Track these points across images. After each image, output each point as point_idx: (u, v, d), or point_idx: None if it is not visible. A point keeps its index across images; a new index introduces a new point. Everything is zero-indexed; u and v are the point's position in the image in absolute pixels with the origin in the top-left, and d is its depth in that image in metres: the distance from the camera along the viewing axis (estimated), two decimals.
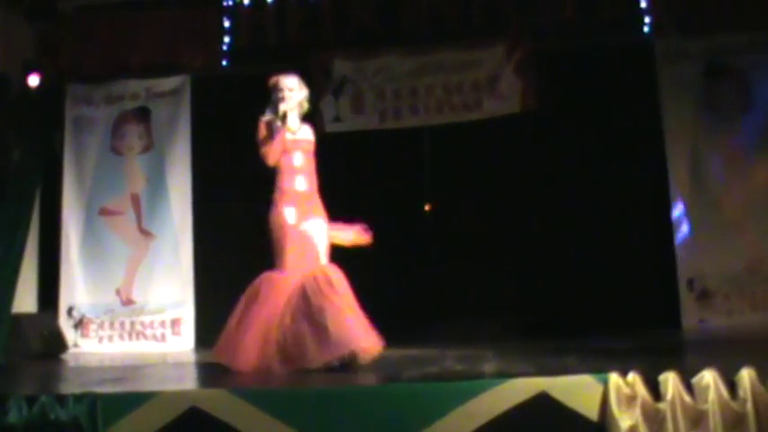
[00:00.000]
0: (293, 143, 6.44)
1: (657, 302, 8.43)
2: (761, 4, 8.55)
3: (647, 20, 8.91)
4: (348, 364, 5.87)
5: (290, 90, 6.42)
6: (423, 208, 9.11)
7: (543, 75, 8.82)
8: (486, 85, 8.81)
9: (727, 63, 8.76)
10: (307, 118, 6.77)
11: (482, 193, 8.90)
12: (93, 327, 9.07)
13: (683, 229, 8.60)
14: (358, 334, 5.92)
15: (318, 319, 5.90)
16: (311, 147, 6.54)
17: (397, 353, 6.73)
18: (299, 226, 6.34)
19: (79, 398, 4.89)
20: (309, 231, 6.34)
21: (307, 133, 6.58)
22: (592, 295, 8.41)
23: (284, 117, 6.40)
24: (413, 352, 6.90)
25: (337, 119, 9.07)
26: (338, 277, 6.17)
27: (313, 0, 9.21)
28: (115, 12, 9.55)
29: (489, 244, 8.77)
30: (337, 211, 8.79)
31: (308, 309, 5.98)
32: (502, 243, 8.76)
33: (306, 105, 6.62)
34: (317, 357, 5.84)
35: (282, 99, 6.40)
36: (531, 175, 8.84)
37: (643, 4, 8.93)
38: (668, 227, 8.60)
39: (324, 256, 6.39)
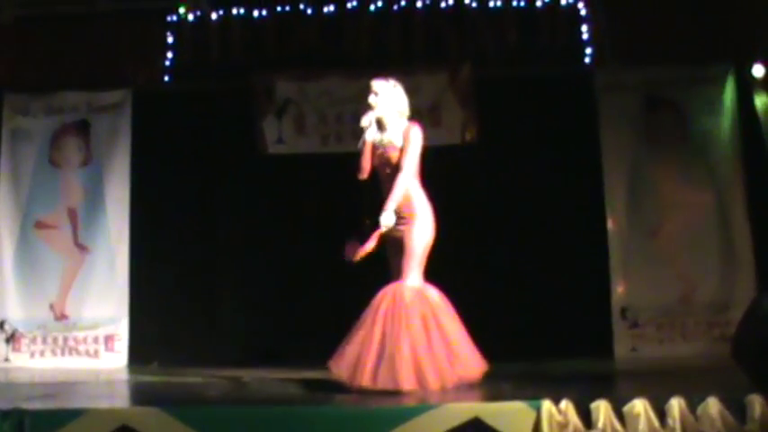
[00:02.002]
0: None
1: (593, 330, 8.49)
2: (696, 40, 8.79)
3: (588, 50, 9.07)
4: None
5: (376, 95, 6.16)
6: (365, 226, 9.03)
7: (485, 103, 8.87)
8: (427, 113, 8.76)
9: (665, 95, 8.93)
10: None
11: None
12: (25, 341, 8.90)
13: (619, 257, 8.70)
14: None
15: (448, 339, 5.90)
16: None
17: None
18: None
19: (6, 414, 4.81)
20: None
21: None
22: (527, 321, 8.47)
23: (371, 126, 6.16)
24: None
25: (280, 140, 9.04)
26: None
27: (257, 19, 9.22)
28: (56, 23, 9.43)
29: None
30: (277, 224, 8.94)
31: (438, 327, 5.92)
32: (437, 268, 8.67)
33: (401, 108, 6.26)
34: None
35: (369, 106, 6.14)
36: (470, 203, 8.86)
37: (584, 35, 9.09)
38: (605, 255, 8.69)
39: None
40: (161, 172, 9.07)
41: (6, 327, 8.93)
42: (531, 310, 8.51)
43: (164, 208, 9.06)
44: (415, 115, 8.51)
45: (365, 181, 6.26)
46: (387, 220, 5.85)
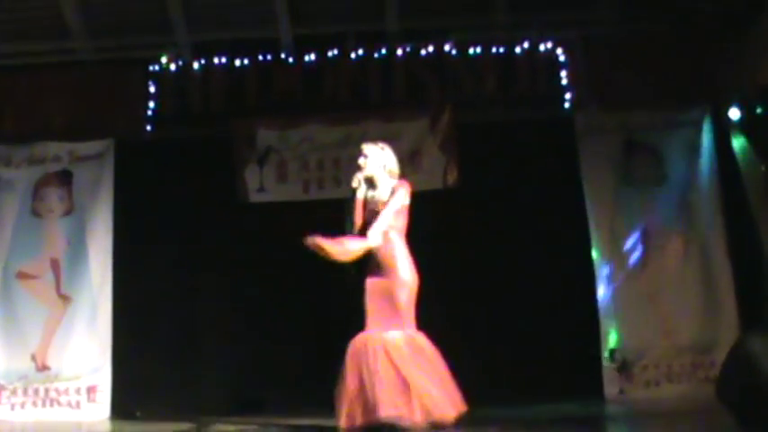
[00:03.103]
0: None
1: (582, 373, 8.53)
2: (673, 84, 8.95)
3: (567, 95, 9.19)
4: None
5: (365, 157, 6.41)
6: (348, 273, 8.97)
7: (466, 148, 8.96)
8: (408, 159, 8.81)
9: (644, 139, 9.05)
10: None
11: None
12: (5, 393, 8.81)
13: (606, 299, 8.76)
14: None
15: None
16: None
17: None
18: None
19: None
20: None
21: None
22: (514, 365, 8.49)
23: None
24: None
25: (261, 189, 9.07)
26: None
27: (238, 67, 9.30)
28: (37, 71, 9.49)
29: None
30: (262, 273, 8.92)
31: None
32: (425, 314, 8.67)
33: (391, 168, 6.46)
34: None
35: (359, 167, 6.40)
36: (454, 248, 8.88)
37: (563, 80, 9.21)
38: (593, 297, 8.75)
39: None
40: (143, 221, 9.05)
41: None
42: (519, 354, 8.53)
43: (146, 257, 9.03)
44: (399, 161, 8.71)
45: (358, 233, 6.32)
46: (375, 239, 6.09)
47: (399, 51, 9.24)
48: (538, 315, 8.64)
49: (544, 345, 8.56)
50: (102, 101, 9.27)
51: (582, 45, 9.22)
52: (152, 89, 9.31)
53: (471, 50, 9.21)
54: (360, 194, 6.29)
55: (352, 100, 9.20)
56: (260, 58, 9.31)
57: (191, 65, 9.36)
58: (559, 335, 8.55)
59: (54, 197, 9.23)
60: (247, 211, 9.02)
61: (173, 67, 9.36)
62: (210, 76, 9.30)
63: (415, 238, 8.47)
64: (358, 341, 6.00)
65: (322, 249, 6.01)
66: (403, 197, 6.24)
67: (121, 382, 8.76)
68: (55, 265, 9.07)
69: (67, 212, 9.19)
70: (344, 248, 6.05)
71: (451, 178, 8.93)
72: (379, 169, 6.34)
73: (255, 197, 9.07)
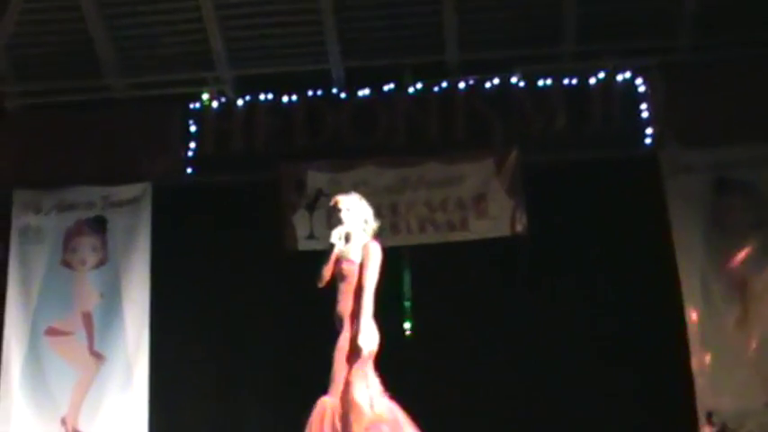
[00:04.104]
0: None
1: None
2: (766, 118, 9.41)
3: (648, 131, 9.70)
4: None
5: (347, 210, 6.84)
6: (403, 333, 9.68)
7: (535, 191, 9.52)
8: (472, 204, 9.59)
9: (737, 176, 9.50)
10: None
11: (467, 321, 9.46)
12: None
13: (701, 357, 9.14)
14: None
15: None
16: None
17: None
18: None
19: None
20: None
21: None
22: (600, 428, 8.98)
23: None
24: None
25: (312, 236, 9.68)
26: None
27: (285, 105, 10.06)
28: (67, 111, 10.35)
29: (475, 382, 9.31)
30: (313, 332, 9.57)
31: None
32: (491, 381, 9.32)
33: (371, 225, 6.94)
34: None
35: (339, 221, 6.84)
36: (524, 303, 9.42)
37: (644, 114, 9.73)
38: (686, 355, 9.12)
39: None
40: (183, 272, 9.76)
41: None
42: (609, 416, 8.98)
43: (186, 312, 9.71)
44: (460, 206, 9.62)
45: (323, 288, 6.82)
46: (370, 343, 6.44)
47: (461, 85, 9.96)
48: (623, 375, 9.09)
49: (632, 408, 9.01)
50: (139, 142, 10.10)
51: (663, 74, 9.73)
52: (192, 129, 10.14)
53: (540, 83, 9.86)
54: (336, 249, 6.71)
55: (410, 139, 9.88)
56: (309, 93, 10.07)
57: (234, 102, 10.16)
58: (650, 396, 8.98)
59: (86, 247, 10.06)
60: (296, 261, 9.45)
61: (214, 104, 10.19)
62: (255, 115, 10.08)
63: (480, 289, 9.52)
64: (317, 409, 6.53)
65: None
66: (378, 258, 6.66)
67: None
68: (87, 320, 9.88)
69: (101, 263, 10.01)
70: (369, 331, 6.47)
71: (520, 225, 9.51)
72: (359, 224, 6.80)
73: (305, 245, 9.68)
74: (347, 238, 6.74)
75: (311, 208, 9.80)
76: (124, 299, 9.88)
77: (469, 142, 9.85)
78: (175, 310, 9.76)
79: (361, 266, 6.61)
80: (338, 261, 6.72)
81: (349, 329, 6.52)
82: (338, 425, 6.32)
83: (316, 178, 9.86)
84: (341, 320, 6.59)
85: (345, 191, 9.25)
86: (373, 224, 6.89)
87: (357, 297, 6.60)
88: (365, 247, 6.67)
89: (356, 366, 6.44)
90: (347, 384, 6.41)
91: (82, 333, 9.87)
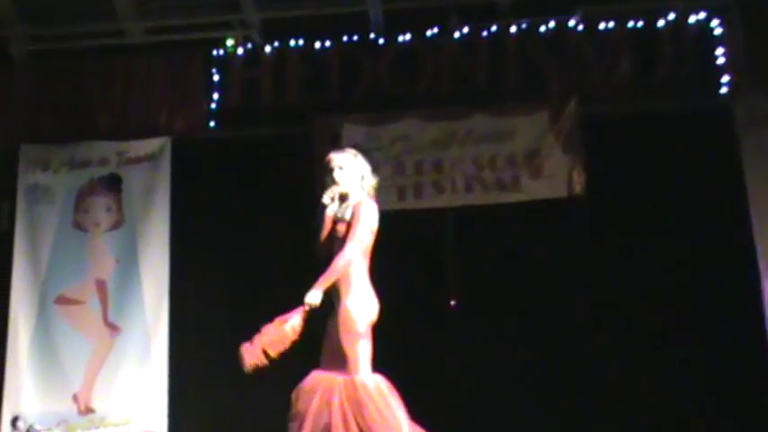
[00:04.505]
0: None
1: (753, 403, 8.91)
2: None
3: (724, 78, 9.54)
4: None
5: (340, 169, 6.77)
6: (446, 303, 9.66)
7: (595, 147, 9.40)
8: (524, 161, 9.51)
9: None
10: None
11: (518, 290, 9.42)
12: None
13: None
14: None
15: None
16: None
17: None
18: None
19: None
20: None
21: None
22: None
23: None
24: None
25: None
26: None
27: (319, 51, 9.97)
28: (80, 59, 10.30)
29: (527, 355, 9.30)
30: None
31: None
32: (543, 356, 9.30)
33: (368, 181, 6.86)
34: None
35: (333, 181, 6.79)
36: (580, 270, 9.37)
37: (719, 60, 9.56)
38: (760, 316, 9.08)
39: None
40: (206, 235, 9.74)
41: (20, 424, 9.53)
42: (675, 379, 9.00)
43: (209, 278, 9.68)
44: (511, 163, 9.54)
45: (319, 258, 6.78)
46: (312, 298, 6.41)
47: (512, 29, 9.80)
48: (693, 336, 9.10)
49: (700, 370, 9.02)
50: (157, 92, 10.07)
51: (742, 15, 9.55)
52: (216, 78, 10.07)
53: (601, 26, 9.69)
54: (330, 211, 6.63)
55: (456, 89, 9.76)
56: (344, 39, 9.97)
57: (261, 49, 10.07)
58: (721, 357, 8.95)
59: (100, 207, 10.05)
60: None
61: (240, 51, 10.09)
62: (285, 62, 9.98)
63: (532, 255, 9.45)
64: (308, 383, 6.48)
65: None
66: (369, 217, 6.64)
67: (181, 428, 9.44)
68: (101, 288, 9.87)
69: (116, 225, 10.00)
70: (318, 291, 6.42)
71: (578, 185, 9.43)
72: (356, 183, 6.72)
73: None
74: (342, 199, 6.67)
75: None
76: (142, 264, 9.88)
77: (522, 92, 9.74)
78: (197, 276, 9.74)
79: (349, 225, 6.58)
80: (336, 223, 6.66)
81: (347, 299, 6.48)
82: (347, 407, 6.25)
83: (352, 132, 9.78)
84: (337, 289, 6.53)
85: (385, 146, 9.78)
86: (371, 181, 6.82)
87: (361, 260, 6.61)
88: (356, 204, 6.62)
89: (357, 340, 6.43)
90: (350, 361, 6.37)
91: (96, 302, 9.88)
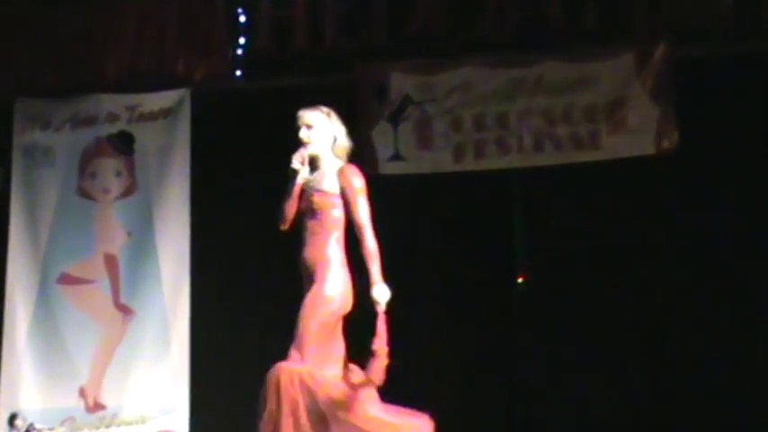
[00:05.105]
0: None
1: None
2: None
3: None
4: None
5: (309, 127, 6.81)
6: (513, 280, 9.55)
7: (689, 96, 9.19)
8: (605, 113, 9.28)
9: None
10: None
11: (595, 262, 9.34)
12: None
13: None
14: None
15: None
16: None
17: None
18: None
19: None
20: None
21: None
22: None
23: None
24: None
25: (397, 156, 9.59)
26: None
27: None
28: (83, 1, 10.18)
29: (602, 337, 9.22)
30: (395, 281, 9.43)
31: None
32: (623, 337, 9.23)
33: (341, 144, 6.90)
34: None
35: (301, 140, 6.81)
36: (671, 241, 9.27)
37: None
38: None
39: None
40: (231, 203, 9.63)
41: (18, 422, 9.42)
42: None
43: (236, 253, 9.60)
44: (589, 116, 9.33)
45: (287, 231, 6.88)
46: (386, 294, 6.39)
47: None
48: None
49: None
50: (173, 36, 9.92)
51: None
52: (242, 19, 9.96)
53: None
54: (299, 178, 6.69)
55: (523, 30, 9.54)
56: None
57: None
58: None
59: (109, 171, 9.94)
60: (376, 187, 8.98)
61: None
62: (322, 3, 9.81)
63: (614, 225, 9.32)
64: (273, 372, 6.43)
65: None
66: (364, 186, 6.66)
67: (203, 425, 9.37)
68: (111, 265, 9.77)
69: (128, 192, 9.89)
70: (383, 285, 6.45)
71: (668, 140, 9.18)
72: (326, 146, 6.77)
73: (388, 168, 9.57)
74: (312, 164, 6.69)
75: (396, 120, 9.62)
76: (158, 237, 9.79)
77: (602, 33, 9.51)
78: (223, 250, 9.67)
79: (344, 199, 6.61)
80: (303, 193, 6.69)
81: (323, 280, 6.48)
82: (323, 407, 6.25)
83: (401, 82, 9.67)
84: (311, 269, 6.57)
85: (439, 98, 9.62)
86: (345, 144, 6.88)
87: (342, 238, 6.63)
88: (343, 173, 6.65)
89: (316, 325, 6.44)
90: (300, 345, 6.40)
91: (105, 281, 9.80)
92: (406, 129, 9.56)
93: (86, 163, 9.98)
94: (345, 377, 6.43)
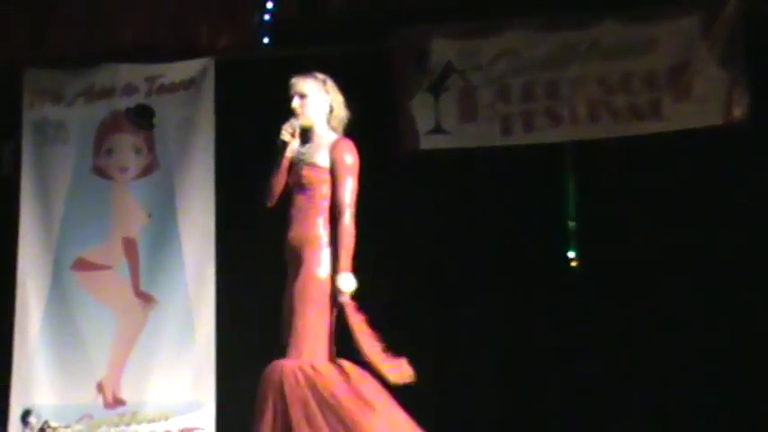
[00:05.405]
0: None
1: None
2: None
3: None
4: None
5: (302, 96, 6.70)
6: (567, 264, 9.48)
7: (762, 60, 9.08)
8: (667, 79, 9.15)
9: None
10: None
11: (656, 246, 9.24)
12: None
13: None
14: None
15: None
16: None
17: None
18: None
19: None
20: None
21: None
22: None
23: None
24: None
25: (438, 128, 9.47)
26: None
27: None
28: None
29: (667, 329, 9.13)
30: (438, 267, 9.35)
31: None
32: (688, 323, 9.12)
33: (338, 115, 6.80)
34: None
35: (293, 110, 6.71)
36: (742, 221, 9.15)
37: None
38: None
39: None
40: (259, 181, 9.44)
41: (32, 419, 9.42)
42: None
43: (264, 235, 9.24)
44: (650, 83, 9.23)
45: (273, 208, 6.83)
46: (350, 283, 6.27)
47: None
48: None
49: None
50: (195, 1, 9.86)
51: None
52: None
53: None
54: (290, 151, 6.59)
55: None
56: None
57: None
58: None
59: (127, 148, 9.89)
60: (416, 164, 9.38)
61: None
62: None
63: (678, 204, 9.20)
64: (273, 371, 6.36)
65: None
66: (356, 165, 6.50)
67: (230, 423, 9.27)
68: (130, 249, 9.71)
69: (148, 171, 9.84)
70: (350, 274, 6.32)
71: (739, 109, 9.07)
72: (321, 116, 6.65)
73: (428, 141, 9.48)
74: (304, 136, 6.60)
75: (437, 90, 9.53)
76: (180, 219, 9.74)
77: None
78: (250, 232, 9.44)
79: (332, 174, 6.47)
80: (294, 167, 6.61)
81: (312, 262, 6.36)
82: (310, 399, 6.12)
83: (443, 48, 9.58)
84: (298, 249, 6.48)
85: (484, 65, 9.49)
86: (342, 114, 6.75)
87: (329, 218, 6.45)
88: (336, 147, 6.51)
89: (312, 312, 6.33)
90: (299, 338, 6.32)
91: (123, 266, 9.75)
92: (449, 99, 9.49)
93: (102, 139, 9.92)
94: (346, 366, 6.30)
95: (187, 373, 9.46)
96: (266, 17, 9.88)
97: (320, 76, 6.74)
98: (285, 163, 6.60)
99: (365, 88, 9.14)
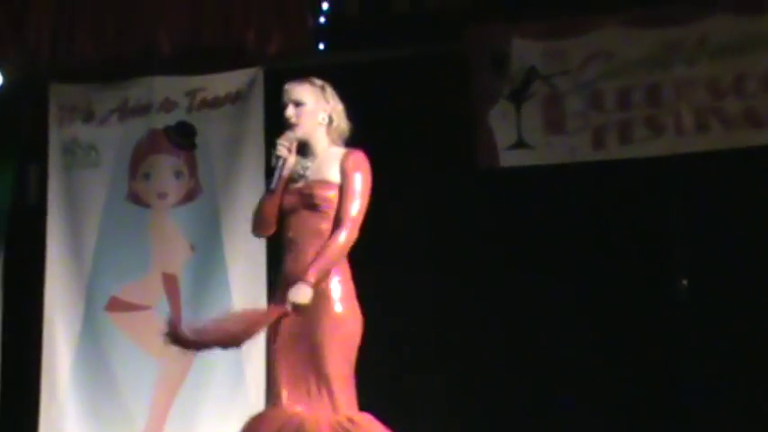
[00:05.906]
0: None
1: None
2: None
3: None
4: None
5: (297, 104, 6.60)
6: (676, 284, 9.29)
7: None
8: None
9: None
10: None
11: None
12: None
13: None
14: None
15: None
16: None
17: None
18: None
19: None
20: None
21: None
22: None
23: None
24: None
25: (521, 143, 9.36)
26: None
27: None
28: None
29: None
30: (528, 292, 9.24)
31: None
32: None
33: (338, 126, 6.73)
34: None
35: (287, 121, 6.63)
36: None
37: None
38: None
39: None
40: None
41: None
42: None
43: None
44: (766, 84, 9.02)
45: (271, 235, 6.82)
46: (300, 295, 6.15)
47: None
48: None
49: None
50: (242, 2, 9.73)
51: None
52: None
53: None
54: (286, 169, 6.47)
55: None
56: None
57: None
58: None
59: (166, 171, 9.88)
60: (495, 182, 9.33)
61: None
62: None
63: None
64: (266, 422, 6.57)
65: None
66: (369, 179, 6.47)
67: None
68: (171, 286, 9.69)
69: (190, 197, 9.82)
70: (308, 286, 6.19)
71: None
72: (320, 127, 6.57)
73: (509, 158, 9.37)
74: (302, 150, 6.53)
75: (519, 98, 9.42)
76: (227, 251, 9.72)
77: None
78: None
79: (340, 189, 6.42)
80: (293, 186, 6.50)
81: (336, 300, 6.35)
82: None
83: (525, 50, 9.48)
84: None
85: (573, 69, 9.36)
86: (343, 126, 6.71)
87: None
88: (347, 160, 6.48)
89: (348, 362, 6.44)
90: (337, 392, 6.33)
91: (164, 306, 9.72)
92: (532, 108, 9.38)
93: (138, 162, 9.95)
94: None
95: (237, 423, 9.18)
96: (321, 20, 9.86)
97: (318, 81, 6.68)
98: (280, 181, 6.44)
99: (436, 97, 9.47)
